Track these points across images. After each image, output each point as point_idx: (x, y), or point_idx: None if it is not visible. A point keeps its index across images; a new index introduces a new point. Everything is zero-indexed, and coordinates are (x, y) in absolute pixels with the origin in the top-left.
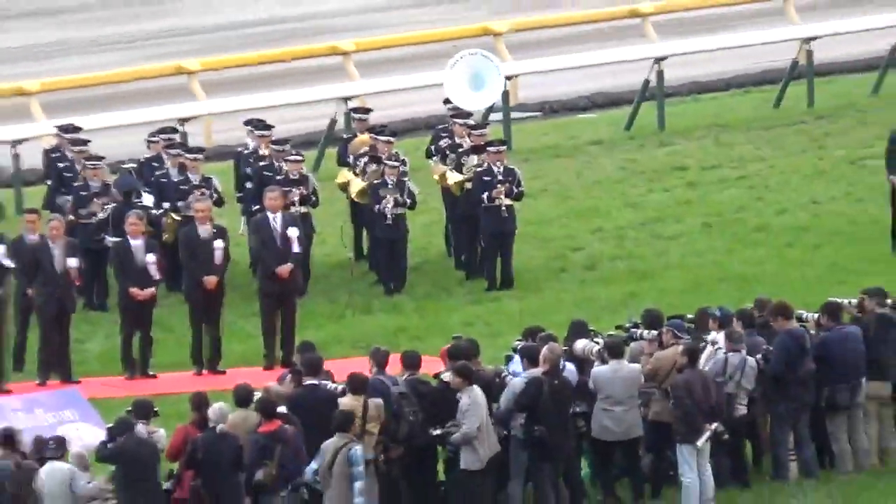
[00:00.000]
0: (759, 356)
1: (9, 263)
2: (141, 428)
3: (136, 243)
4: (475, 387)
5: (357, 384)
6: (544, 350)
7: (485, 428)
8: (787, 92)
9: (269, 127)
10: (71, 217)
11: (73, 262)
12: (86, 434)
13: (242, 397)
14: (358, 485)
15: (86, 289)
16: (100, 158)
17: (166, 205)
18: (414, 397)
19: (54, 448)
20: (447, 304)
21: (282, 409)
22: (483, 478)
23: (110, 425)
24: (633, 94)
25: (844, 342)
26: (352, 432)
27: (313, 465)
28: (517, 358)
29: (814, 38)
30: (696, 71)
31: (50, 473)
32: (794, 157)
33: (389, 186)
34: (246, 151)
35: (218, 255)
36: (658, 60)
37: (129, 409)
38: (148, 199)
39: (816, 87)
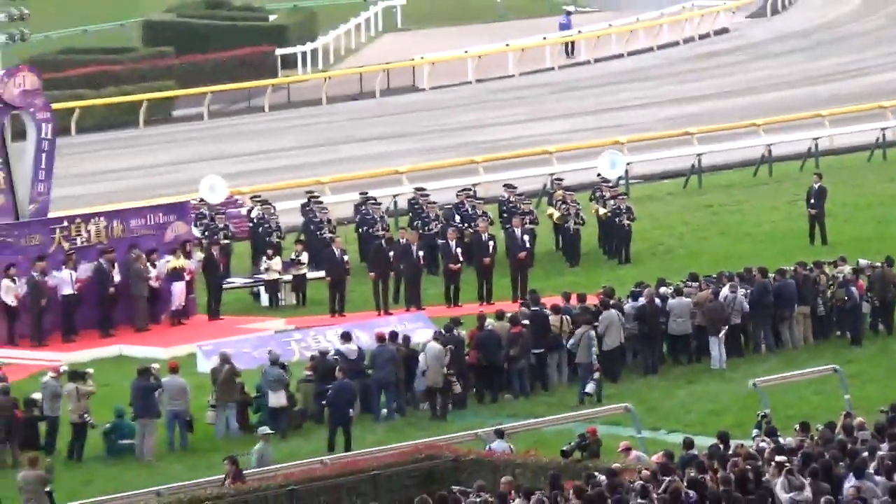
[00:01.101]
0: (746, 292)
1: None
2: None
3: (452, 243)
4: None
5: (556, 309)
6: (645, 291)
7: None
8: None
9: (515, 187)
10: (421, 231)
11: None
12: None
13: (502, 315)
14: None
15: (425, 266)
16: (435, 202)
17: (465, 224)
18: None
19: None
20: (598, 271)
21: (526, 321)
22: None
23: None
24: (686, 170)
25: (788, 287)
26: None
27: None
28: None
29: None
30: None
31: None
32: None
33: (572, 214)
34: (502, 199)
35: (490, 248)
36: None
37: (450, 322)
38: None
39: None
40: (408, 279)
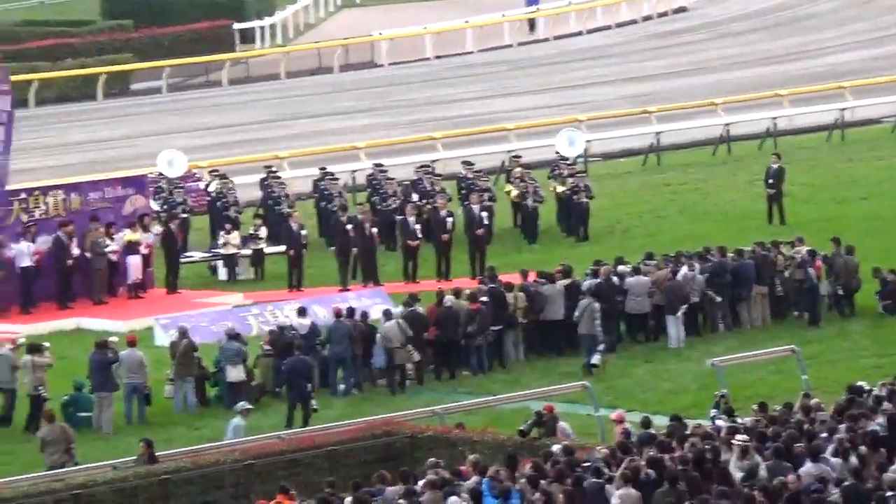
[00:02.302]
0: (704, 275)
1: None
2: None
3: (411, 219)
4: None
5: (512, 287)
6: (602, 269)
7: None
8: None
9: (472, 163)
10: (379, 206)
11: None
12: None
13: (460, 293)
14: None
15: (383, 241)
16: (393, 178)
17: (424, 200)
18: None
19: None
20: (557, 248)
21: (484, 298)
22: None
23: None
24: (645, 149)
25: (746, 267)
26: None
27: None
28: None
29: None
30: None
31: None
32: None
33: (531, 192)
34: (461, 176)
35: (448, 225)
36: None
37: (408, 297)
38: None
39: None
40: (362, 256)
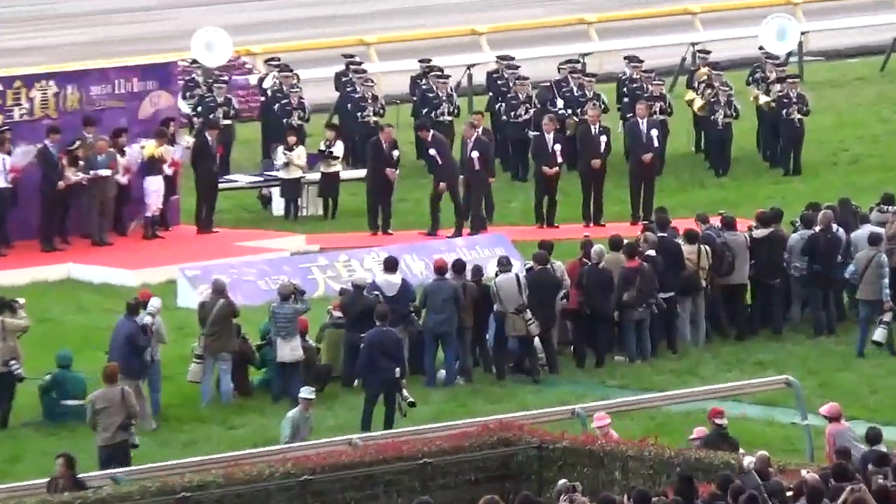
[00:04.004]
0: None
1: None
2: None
3: (549, 136)
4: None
5: (691, 236)
6: (820, 215)
7: None
8: None
9: (640, 60)
10: (504, 118)
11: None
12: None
13: (615, 243)
14: None
15: (513, 166)
16: (526, 78)
17: (569, 110)
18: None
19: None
20: (756, 183)
21: (650, 252)
22: None
23: (529, 261)
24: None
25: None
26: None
27: None
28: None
29: None
30: None
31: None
32: None
33: (722, 103)
34: (623, 77)
35: (602, 146)
36: None
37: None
38: (558, 105)
39: None
40: (468, 189)
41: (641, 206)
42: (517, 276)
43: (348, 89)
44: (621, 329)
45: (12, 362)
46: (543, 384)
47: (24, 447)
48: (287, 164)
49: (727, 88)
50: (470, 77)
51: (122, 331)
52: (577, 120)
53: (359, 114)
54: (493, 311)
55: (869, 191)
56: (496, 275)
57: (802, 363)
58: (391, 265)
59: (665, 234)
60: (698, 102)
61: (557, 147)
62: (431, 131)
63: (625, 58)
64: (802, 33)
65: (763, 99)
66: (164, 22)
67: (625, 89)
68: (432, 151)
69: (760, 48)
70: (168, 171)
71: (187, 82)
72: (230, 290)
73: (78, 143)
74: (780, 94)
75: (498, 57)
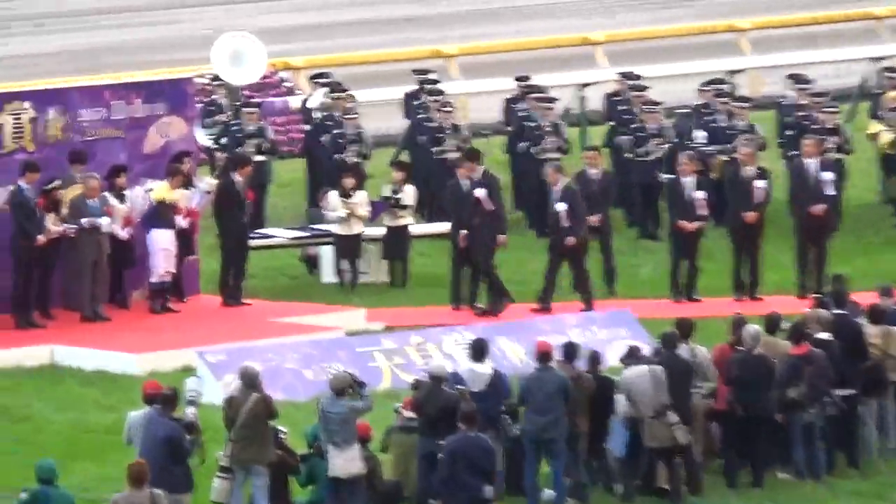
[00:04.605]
0: None
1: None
2: (684, 347)
3: (687, 180)
4: None
5: (877, 314)
6: None
7: None
8: None
9: (808, 81)
10: (629, 155)
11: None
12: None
13: (774, 322)
14: None
15: (640, 219)
16: (657, 104)
17: (715, 147)
18: None
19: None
20: None
21: (823, 335)
22: None
23: (658, 341)
24: None
25: None
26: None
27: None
28: None
29: None
30: None
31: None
32: None
33: None
34: (786, 102)
35: (759, 194)
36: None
37: (673, 328)
38: (700, 139)
39: None
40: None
41: (811, 274)
42: (651, 371)
43: (421, 116)
44: (786, 436)
45: None
46: None
47: None
48: (341, 216)
49: None
50: (582, 101)
51: (158, 433)
52: (724, 159)
53: (435, 148)
54: (615, 411)
55: None
56: (623, 365)
57: None
58: (479, 350)
59: (843, 312)
60: (886, 137)
61: (699, 195)
62: None
63: (787, 77)
64: None
65: None
66: (176, 25)
67: (788, 119)
68: None
69: None
70: (183, 222)
71: (207, 105)
72: (265, 381)
73: (58, 182)
74: None
75: (619, 74)
